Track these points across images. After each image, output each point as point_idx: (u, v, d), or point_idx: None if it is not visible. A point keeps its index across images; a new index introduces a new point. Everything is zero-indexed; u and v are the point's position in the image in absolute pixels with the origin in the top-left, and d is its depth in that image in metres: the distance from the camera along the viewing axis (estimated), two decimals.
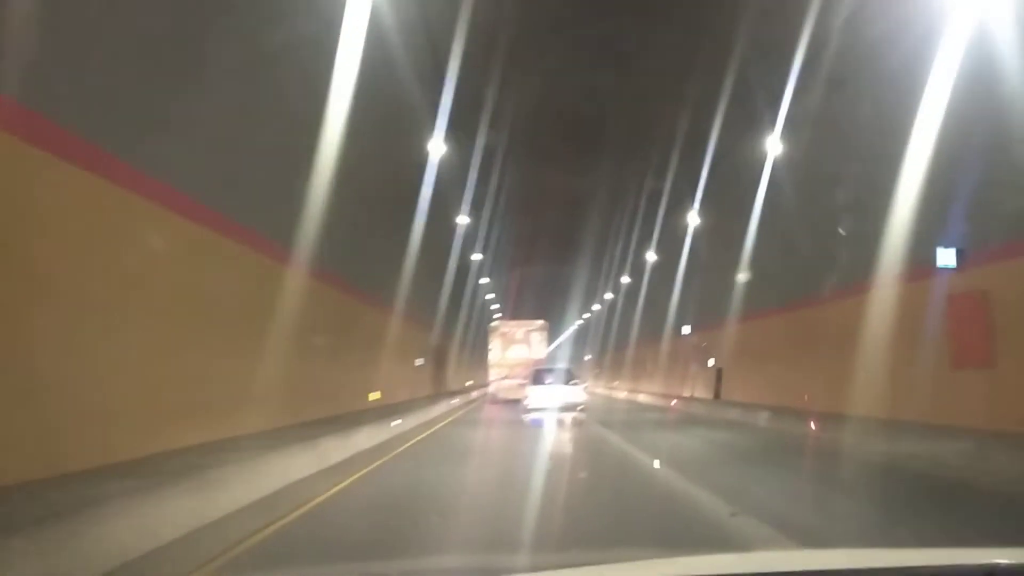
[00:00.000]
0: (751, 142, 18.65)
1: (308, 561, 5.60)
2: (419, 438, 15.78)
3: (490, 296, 48.30)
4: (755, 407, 21.44)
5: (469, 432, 18.64)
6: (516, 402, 25.63)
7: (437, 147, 17.85)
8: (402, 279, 23.92)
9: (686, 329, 34.25)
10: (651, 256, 35.21)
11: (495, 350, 35.80)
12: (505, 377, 33.82)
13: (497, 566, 5.21)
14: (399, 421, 16.75)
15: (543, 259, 46.33)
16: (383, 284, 22.17)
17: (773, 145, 17.27)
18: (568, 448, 14.60)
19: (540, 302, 57.56)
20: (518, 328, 36.79)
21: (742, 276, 22.64)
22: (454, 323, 38.00)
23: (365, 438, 13.49)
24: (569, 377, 22.62)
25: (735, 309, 25.92)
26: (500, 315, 52.10)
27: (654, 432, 18.41)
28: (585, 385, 45.56)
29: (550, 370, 24.39)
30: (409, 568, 5.13)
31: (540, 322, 37.32)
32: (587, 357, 70.77)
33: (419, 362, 30.64)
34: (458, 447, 14.86)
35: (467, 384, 49.37)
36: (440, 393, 33.02)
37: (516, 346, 35.44)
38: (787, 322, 21.00)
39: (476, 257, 34.79)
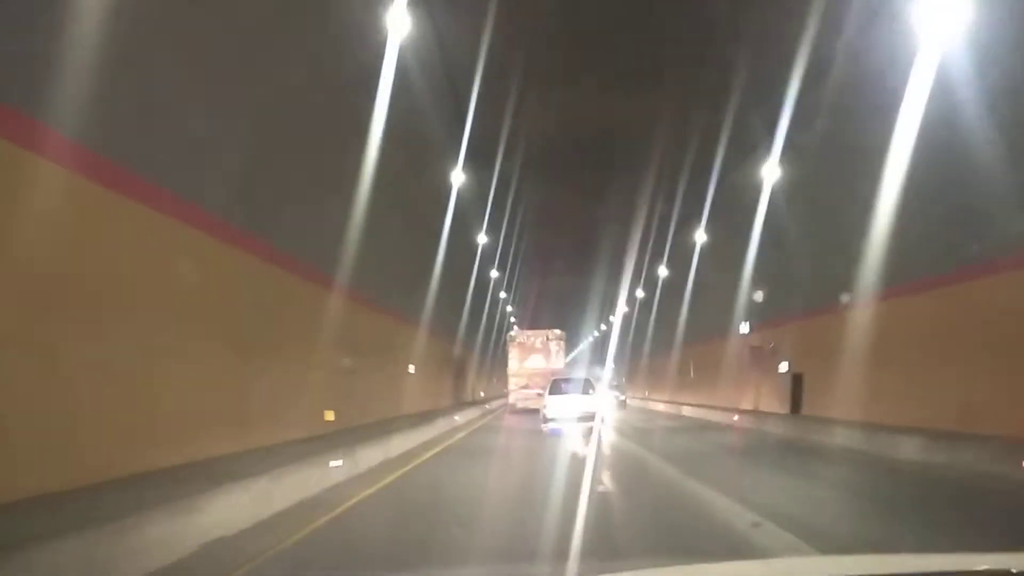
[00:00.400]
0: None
1: None
2: (366, 494, 9.28)
3: (504, 295, 41.97)
4: (877, 428, 14.75)
5: (455, 477, 12.01)
6: (535, 419, 23.34)
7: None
8: (382, 262, 17.68)
9: (744, 327, 27.52)
10: (699, 237, 28.42)
11: (514, 360, 35.49)
12: (525, 387, 33.88)
13: (520, 574, 4.90)
14: (339, 463, 10.24)
15: (564, 253, 40.22)
16: (344, 264, 15.76)
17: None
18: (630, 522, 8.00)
19: (560, 306, 53.64)
20: (536, 337, 36.43)
21: (854, 239, 15.89)
22: (459, 323, 31.50)
23: (243, 508, 7.03)
24: (588, 387, 22.00)
25: (826, 293, 19.24)
26: (515, 322, 50.60)
27: (756, 475, 11.77)
28: (622, 397, 39.23)
29: (568, 379, 23.62)
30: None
31: (558, 331, 36.91)
32: (611, 365, 64.44)
33: (411, 369, 24.21)
34: (419, 521, 8.26)
35: (480, 395, 43.19)
36: (439, 409, 26.51)
37: (535, 356, 35.31)
38: (942, 301, 14.22)
39: (481, 239, 28.42)
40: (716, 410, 29.01)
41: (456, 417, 24.92)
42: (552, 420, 20.17)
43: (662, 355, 42.16)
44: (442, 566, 5.49)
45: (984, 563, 2.05)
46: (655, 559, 5.27)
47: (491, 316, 40.51)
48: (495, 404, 41.46)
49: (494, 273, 35.03)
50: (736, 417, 24.38)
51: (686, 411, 32.63)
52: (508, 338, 38.15)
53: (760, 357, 25.82)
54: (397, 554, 6.23)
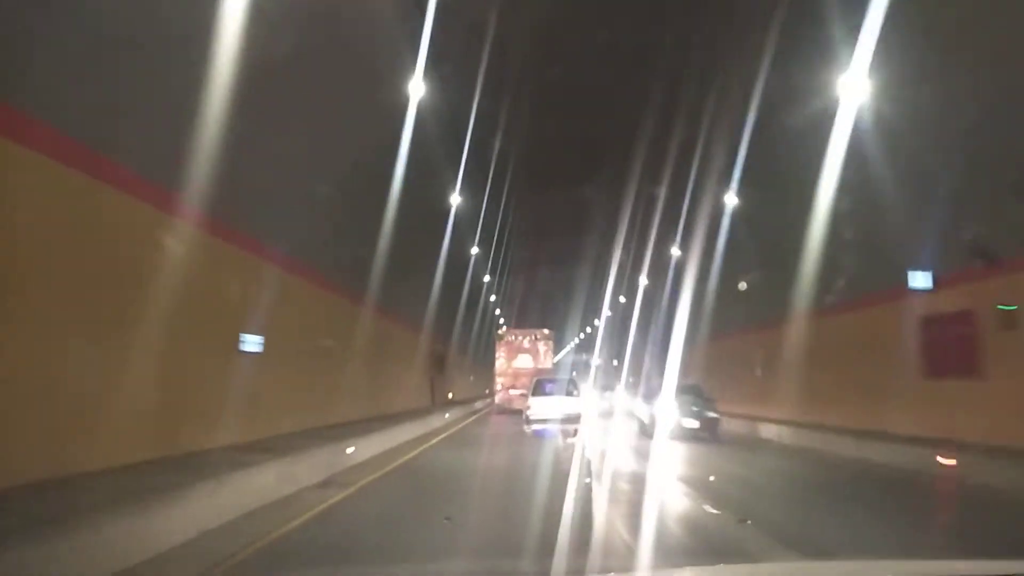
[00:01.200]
0: None
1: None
2: None
3: (478, 257, 30.28)
4: None
5: None
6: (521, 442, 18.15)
7: None
8: None
9: (919, 280, 14.65)
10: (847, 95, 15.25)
11: (501, 360, 35.49)
12: (512, 387, 33.58)
13: (504, 570, 4.77)
14: None
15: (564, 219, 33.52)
16: None
17: None
18: None
19: (554, 291, 48.59)
20: (524, 337, 36.63)
21: None
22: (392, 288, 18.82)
23: None
24: (572, 387, 21.85)
25: None
26: (503, 320, 48.78)
27: None
28: (714, 413, 22.35)
29: (552, 380, 23.44)
30: (415, 571, 4.76)
31: (546, 331, 37.37)
32: (615, 361, 52.22)
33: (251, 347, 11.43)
34: None
35: (449, 396, 32.03)
36: (366, 420, 13.85)
37: (522, 355, 35.15)
38: None
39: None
40: (826, 433, 16.32)
41: (369, 442, 12.13)
42: (535, 422, 20.10)
43: (720, 340, 28.84)
44: (431, 561, 5.53)
45: (983, 569, 1.99)
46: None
47: (456, 289, 28.93)
48: (468, 410, 29.73)
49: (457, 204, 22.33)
50: (949, 461, 11.35)
51: (768, 432, 19.77)
52: (495, 337, 38.11)
53: (966, 332, 13.09)
54: None
